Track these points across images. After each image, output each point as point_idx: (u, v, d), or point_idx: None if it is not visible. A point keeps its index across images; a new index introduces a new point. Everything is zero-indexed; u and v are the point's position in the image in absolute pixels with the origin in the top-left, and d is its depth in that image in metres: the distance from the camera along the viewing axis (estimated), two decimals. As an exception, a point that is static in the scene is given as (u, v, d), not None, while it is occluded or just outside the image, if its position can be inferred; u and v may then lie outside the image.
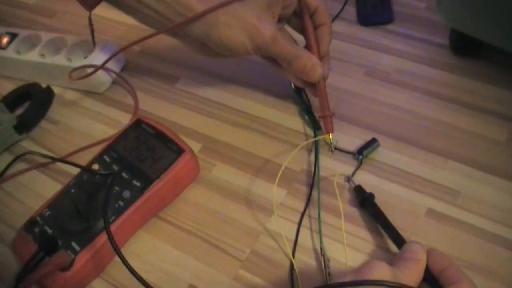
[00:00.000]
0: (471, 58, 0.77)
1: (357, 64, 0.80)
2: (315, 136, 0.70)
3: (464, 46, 0.77)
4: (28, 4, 1.08)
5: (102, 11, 0.79)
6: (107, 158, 0.67)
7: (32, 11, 1.06)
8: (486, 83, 0.74)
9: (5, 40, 0.90)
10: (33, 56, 0.86)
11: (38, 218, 0.64)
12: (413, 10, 0.87)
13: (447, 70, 0.77)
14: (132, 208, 0.62)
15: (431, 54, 0.79)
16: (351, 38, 0.84)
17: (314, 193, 0.65)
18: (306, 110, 0.74)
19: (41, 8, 1.06)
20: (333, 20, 0.87)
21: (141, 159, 0.66)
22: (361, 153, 0.67)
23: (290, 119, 0.75)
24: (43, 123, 0.82)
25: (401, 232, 0.58)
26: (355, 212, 0.63)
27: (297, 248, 0.61)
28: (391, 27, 0.85)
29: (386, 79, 0.77)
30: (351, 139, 0.70)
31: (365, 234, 0.61)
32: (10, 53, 0.88)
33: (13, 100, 0.84)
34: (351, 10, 0.89)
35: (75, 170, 0.69)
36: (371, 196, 0.62)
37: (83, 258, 0.60)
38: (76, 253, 0.60)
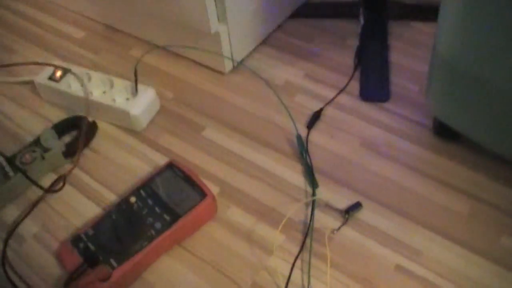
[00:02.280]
0: (449, 141, 0.90)
1: (354, 135, 0.94)
2: (313, 194, 0.84)
3: (444, 131, 0.89)
4: (76, 38, 1.21)
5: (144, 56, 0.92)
6: (143, 193, 0.81)
7: (79, 45, 1.19)
8: (459, 164, 0.87)
9: (58, 73, 1.03)
10: (82, 92, 0.99)
11: (83, 235, 0.78)
12: (407, 92, 1.00)
13: (428, 149, 0.90)
14: (161, 237, 0.76)
15: (417, 133, 0.92)
16: (352, 110, 0.98)
17: (307, 241, 0.79)
18: (308, 171, 0.88)
19: (87, 44, 1.19)
20: (339, 93, 1.01)
21: (171, 197, 0.80)
22: (348, 213, 0.81)
23: (295, 176, 0.88)
24: (87, 152, 0.96)
25: (371, 280, 0.73)
26: (338, 260, 0.77)
27: (290, 284, 0.75)
28: (387, 105, 0.98)
29: (377, 151, 0.91)
30: (340, 199, 0.84)
31: (344, 279, 0.75)
32: (62, 86, 1.01)
33: (62, 128, 0.97)
34: (355, 86, 1.02)
35: (110, 195, 0.84)
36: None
37: (119, 273, 0.74)
38: (113, 268, 0.74)
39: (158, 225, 0.77)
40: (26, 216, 0.86)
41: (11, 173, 0.88)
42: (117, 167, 0.92)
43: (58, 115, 1.00)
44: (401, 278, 0.75)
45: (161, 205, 0.79)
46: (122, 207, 0.80)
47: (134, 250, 0.75)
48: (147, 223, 0.77)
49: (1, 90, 1.10)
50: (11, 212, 0.87)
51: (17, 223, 0.85)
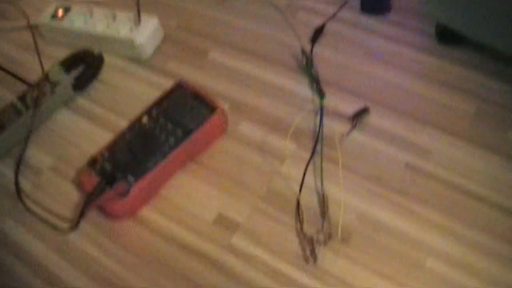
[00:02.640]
0: (452, 45, 0.91)
1: (358, 46, 0.95)
2: (321, 102, 0.86)
3: (446, 36, 0.91)
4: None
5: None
6: (154, 112, 0.83)
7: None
8: (461, 67, 0.88)
9: (60, 12, 1.04)
10: (86, 27, 1.00)
11: (99, 157, 0.80)
12: (407, 2, 1.00)
13: (432, 55, 0.91)
14: (175, 152, 0.78)
15: (420, 41, 0.93)
16: (354, 23, 0.99)
17: (318, 147, 0.81)
18: (314, 82, 0.89)
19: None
20: (341, 7, 1.02)
21: (182, 114, 0.81)
22: (356, 117, 0.83)
23: (302, 88, 0.90)
24: (95, 84, 0.97)
25: (384, 179, 0.76)
26: (349, 161, 0.79)
27: (303, 187, 0.77)
28: (388, 16, 0.98)
29: (381, 60, 0.92)
30: (348, 106, 0.86)
31: (356, 179, 0.78)
32: (65, 23, 1.02)
33: (69, 63, 0.97)
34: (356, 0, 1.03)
35: (122, 122, 0.86)
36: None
37: (137, 188, 0.76)
38: (131, 184, 0.76)
39: (171, 140, 0.78)
40: (27, 140, 0.88)
41: (23, 110, 0.89)
42: (126, 95, 0.93)
43: (64, 53, 1.00)
44: (412, 175, 0.77)
45: (173, 122, 0.81)
46: (135, 127, 0.82)
47: (150, 166, 0.77)
48: (160, 140, 0.79)
49: (6, 37, 1.11)
50: (27, 148, 0.89)
51: (22, 150, 0.87)
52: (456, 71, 0.88)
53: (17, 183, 0.83)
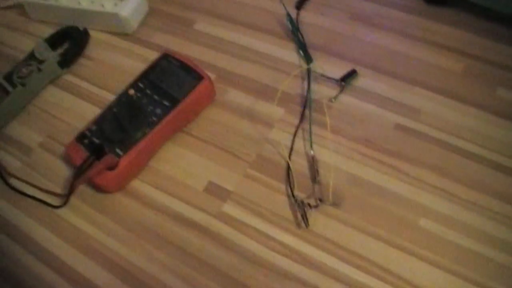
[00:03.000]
0: (438, 5, 0.91)
1: (344, 10, 0.94)
2: (308, 67, 0.85)
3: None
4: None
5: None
6: (140, 84, 0.82)
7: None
8: (449, 26, 0.88)
9: (44, -11, 1.03)
10: (71, 2, 0.99)
11: (87, 132, 0.79)
12: None
13: (418, 15, 0.90)
14: (163, 122, 0.78)
15: (406, 2, 0.93)
16: (339, -12, 0.98)
17: (307, 112, 0.81)
18: (301, 47, 0.88)
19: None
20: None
21: (169, 84, 0.81)
22: (344, 80, 0.82)
23: (288, 54, 0.89)
24: (82, 60, 0.96)
25: (374, 140, 0.75)
26: (339, 125, 0.79)
27: (293, 153, 0.77)
28: (374, -21, 0.98)
29: (367, 22, 0.91)
30: (336, 70, 0.85)
31: (346, 142, 0.77)
32: (49, 0, 1.01)
33: (55, 40, 0.97)
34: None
35: (109, 96, 0.86)
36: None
37: (126, 160, 0.75)
38: (120, 156, 0.75)
39: (158, 111, 0.78)
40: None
41: (9, 89, 0.89)
42: (113, 69, 0.93)
43: (49, 31, 1.00)
44: (402, 135, 0.76)
45: (159, 93, 0.80)
46: (122, 100, 0.81)
47: (137, 137, 0.76)
48: (147, 111, 0.78)
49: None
50: (15, 127, 0.89)
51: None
52: (443, 31, 0.87)
53: None
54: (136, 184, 0.78)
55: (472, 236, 0.67)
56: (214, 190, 0.75)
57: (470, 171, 0.72)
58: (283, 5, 0.95)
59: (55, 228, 0.76)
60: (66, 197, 0.77)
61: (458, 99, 0.79)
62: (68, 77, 0.94)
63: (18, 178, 0.82)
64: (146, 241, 0.72)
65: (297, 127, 0.79)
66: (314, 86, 0.83)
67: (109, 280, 0.70)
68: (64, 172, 0.81)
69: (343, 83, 0.82)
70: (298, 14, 0.94)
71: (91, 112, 0.86)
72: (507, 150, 0.73)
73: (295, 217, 0.71)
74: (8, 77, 0.90)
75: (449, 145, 0.75)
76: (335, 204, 0.71)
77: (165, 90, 0.80)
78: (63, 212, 0.77)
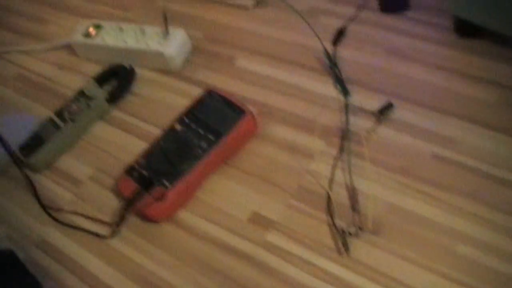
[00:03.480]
0: (470, 37, 0.93)
1: (379, 44, 0.97)
2: (346, 101, 0.88)
3: (464, 28, 0.92)
4: (105, 1, 1.26)
5: (170, 4, 0.97)
6: (186, 119, 0.86)
7: (107, 5, 1.24)
8: (480, 57, 0.90)
9: (92, 30, 1.09)
10: (117, 42, 1.04)
11: (136, 165, 0.83)
12: None
13: (451, 48, 0.93)
14: (208, 155, 0.81)
15: (439, 35, 0.95)
16: (374, 23, 1.01)
17: (346, 143, 0.83)
18: (338, 81, 0.91)
19: (117, 3, 1.24)
20: (361, 7, 1.04)
21: (213, 119, 0.85)
22: (381, 113, 0.85)
23: (326, 88, 0.92)
24: (129, 97, 1.01)
25: (411, 170, 0.78)
26: (376, 156, 0.81)
27: (333, 183, 0.80)
28: (407, 14, 1.01)
29: (402, 55, 0.94)
30: (372, 103, 0.88)
31: (383, 172, 0.80)
32: (97, 40, 1.06)
33: (103, 78, 1.02)
34: (375, 0, 1.05)
35: (155, 130, 0.89)
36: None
37: (173, 192, 0.79)
38: (167, 188, 0.79)
39: (204, 144, 0.82)
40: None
41: (61, 124, 0.93)
42: (158, 105, 0.97)
43: (97, 69, 1.05)
44: (438, 165, 0.78)
45: (204, 127, 0.84)
46: (168, 134, 0.85)
47: (184, 170, 0.80)
48: (193, 145, 0.82)
49: (41, 57, 1.16)
50: (66, 161, 0.93)
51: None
52: (475, 62, 0.89)
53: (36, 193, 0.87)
54: (183, 214, 0.82)
55: (509, 260, 0.68)
56: (258, 220, 0.78)
57: (505, 197, 0.73)
58: (320, 41, 0.98)
59: (106, 258, 0.79)
60: (117, 227, 0.80)
61: (492, 128, 0.81)
62: (116, 113, 0.99)
63: (69, 212, 0.86)
64: (194, 269, 0.75)
65: (337, 159, 0.82)
66: (352, 119, 0.86)
67: (160, 307, 0.73)
68: (113, 203, 0.85)
69: (380, 116, 0.84)
70: (335, 50, 0.96)
71: (138, 146, 0.90)
72: (541, 177, 0.74)
73: (336, 245, 0.74)
74: (59, 114, 0.96)
75: (484, 173, 0.76)
76: (375, 232, 0.73)
77: (210, 125, 0.84)
78: (113, 242, 0.81)
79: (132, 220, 0.82)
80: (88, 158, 0.92)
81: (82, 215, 0.85)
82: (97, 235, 0.82)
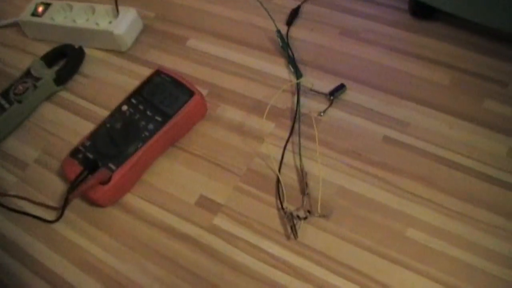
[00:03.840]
0: (425, 19, 0.92)
1: (333, 25, 0.96)
2: (298, 82, 0.87)
3: (419, 10, 0.92)
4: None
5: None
6: (134, 100, 0.84)
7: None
8: (435, 39, 0.89)
9: (40, 8, 1.05)
10: (66, 21, 1.01)
11: (81, 147, 0.81)
12: None
13: (405, 30, 0.92)
14: (155, 137, 0.79)
15: (393, 17, 0.94)
16: (328, 4, 0.99)
17: (296, 125, 0.82)
18: (291, 62, 0.90)
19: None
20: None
21: (161, 100, 0.82)
22: (332, 94, 0.84)
23: (278, 69, 0.91)
24: (77, 77, 0.98)
25: (362, 153, 0.77)
26: (327, 138, 0.80)
27: (283, 166, 0.78)
28: (362, -5, 1.00)
29: (356, 37, 0.93)
30: (325, 84, 0.87)
31: (334, 155, 0.78)
32: (45, 19, 1.03)
33: (51, 58, 0.99)
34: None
35: (104, 112, 0.87)
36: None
37: (118, 174, 0.77)
38: (113, 171, 0.77)
39: (151, 126, 0.79)
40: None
41: (6, 105, 0.90)
42: (107, 86, 0.94)
43: (45, 49, 1.01)
44: (390, 148, 0.78)
45: (152, 109, 0.82)
46: (115, 116, 0.83)
47: (130, 152, 0.78)
48: (140, 126, 0.80)
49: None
50: (11, 143, 0.90)
51: None
52: (430, 44, 0.89)
53: None
54: (129, 198, 0.80)
55: (459, 245, 0.68)
56: (205, 204, 0.77)
57: (457, 181, 0.73)
58: (273, 21, 0.96)
59: (50, 243, 0.77)
60: (60, 212, 0.77)
61: (446, 111, 0.80)
62: (64, 94, 0.96)
63: (12, 196, 0.83)
64: (139, 254, 0.74)
65: (287, 141, 0.81)
66: (303, 101, 0.85)
67: (103, 293, 0.71)
68: (59, 187, 0.83)
69: (331, 97, 0.83)
70: (288, 30, 0.95)
71: (86, 128, 0.87)
72: (493, 161, 0.74)
73: (285, 229, 0.72)
74: (5, 94, 0.92)
75: (436, 156, 0.76)
76: (324, 216, 0.72)
77: (158, 106, 0.82)
78: (58, 226, 0.78)
79: (78, 204, 0.80)
80: (34, 140, 0.90)
81: (27, 199, 0.82)
82: (41, 219, 0.79)
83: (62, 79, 0.96)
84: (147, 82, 0.85)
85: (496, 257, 0.67)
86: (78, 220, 0.79)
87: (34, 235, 0.78)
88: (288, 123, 0.83)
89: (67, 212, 0.79)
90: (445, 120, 0.79)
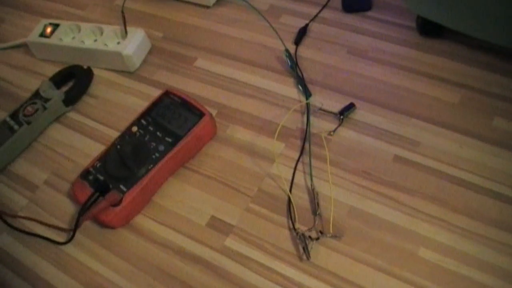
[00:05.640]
0: (433, 38, 0.92)
1: (341, 44, 0.96)
2: (307, 101, 0.87)
3: (428, 29, 0.92)
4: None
5: (130, 3, 0.95)
6: (143, 122, 0.84)
7: (65, 4, 1.21)
8: (444, 58, 0.89)
9: (48, 29, 1.05)
10: (74, 42, 1.01)
11: (91, 169, 0.81)
12: None
13: (413, 48, 0.92)
14: (165, 158, 0.79)
15: (401, 35, 0.94)
16: (336, 23, 1.00)
17: (306, 145, 0.82)
18: (300, 82, 0.90)
19: (75, 2, 1.21)
20: (322, 8, 1.03)
21: (171, 121, 0.82)
22: (342, 114, 0.84)
23: (287, 89, 0.91)
24: (86, 98, 0.98)
25: (372, 172, 0.76)
26: (338, 158, 0.80)
27: (293, 186, 0.78)
28: (369, 14, 1.00)
29: (364, 56, 0.93)
30: (334, 104, 0.87)
31: (345, 175, 0.78)
32: (54, 40, 1.03)
33: (59, 79, 0.99)
34: (337, 0, 1.04)
35: (113, 133, 0.87)
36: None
37: (129, 196, 0.77)
38: (123, 193, 0.77)
39: (161, 148, 0.80)
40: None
41: (16, 127, 0.90)
42: (116, 107, 0.94)
43: (53, 70, 1.02)
44: (400, 167, 0.77)
45: (162, 130, 0.82)
46: (125, 137, 0.83)
47: (141, 174, 0.78)
48: (150, 148, 0.80)
49: (-3, 57, 1.12)
50: (21, 164, 0.90)
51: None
52: (439, 63, 0.89)
53: None
54: (140, 219, 0.79)
55: (471, 264, 0.68)
56: (217, 225, 0.76)
57: (468, 200, 0.73)
58: (282, 41, 0.97)
59: (61, 265, 0.77)
60: (71, 234, 0.77)
61: (455, 129, 0.80)
62: (73, 115, 0.96)
63: (22, 217, 0.83)
64: (151, 276, 0.73)
65: (297, 161, 0.81)
66: (313, 120, 0.85)
67: (114, 316, 0.71)
68: (69, 209, 0.83)
69: (341, 117, 0.83)
70: (296, 50, 0.95)
71: (96, 149, 0.88)
72: (504, 179, 0.74)
73: (297, 249, 0.72)
74: (14, 116, 0.92)
75: (447, 175, 0.76)
76: (336, 236, 0.72)
77: (168, 127, 0.82)
78: (68, 248, 0.78)
79: (88, 226, 0.80)
80: (44, 162, 0.90)
81: (37, 220, 0.82)
82: (52, 241, 0.79)
83: (71, 99, 0.96)
84: (156, 103, 0.86)
85: (509, 276, 0.66)
86: (89, 242, 0.78)
87: (44, 257, 0.78)
88: (298, 143, 0.83)
89: (77, 235, 0.79)
90: (455, 139, 0.79)
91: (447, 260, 0.69)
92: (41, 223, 0.82)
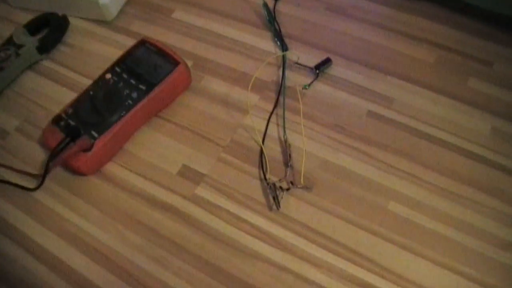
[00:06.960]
0: (413, -2, 0.92)
1: (320, 1, 0.95)
2: (283, 55, 0.86)
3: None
4: None
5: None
6: (117, 69, 0.83)
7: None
8: (422, 18, 0.90)
9: (24, -23, 1.03)
10: (50, -11, 0.99)
11: (63, 115, 0.80)
12: None
13: (392, 7, 0.92)
14: (138, 106, 0.78)
15: (381, -6, 0.95)
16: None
17: (281, 98, 0.82)
18: (277, 36, 0.89)
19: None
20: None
21: (145, 69, 0.81)
22: (318, 68, 0.83)
23: (265, 43, 0.90)
24: (60, 47, 0.97)
25: (346, 127, 0.77)
26: (312, 111, 0.80)
27: (266, 138, 0.78)
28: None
29: (342, 13, 0.92)
30: (311, 58, 0.86)
31: (318, 128, 0.78)
32: (29, -13, 1.01)
33: (34, 26, 0.97)
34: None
35: (87, 82, 0.86)
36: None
37: (101, 142, 0.76)
38: (95, 138, 0.76)
39: (134, 95, 0.79)
40: None
41: (-13, 73, 0.89)
42: (91, 56, 0.93)
43: (29, 18, 0.99)
44: (374, 122, 0.77)
45: (136, 77, 0.81)
46: (98, 84, 0.82)
47: (113, 120, 0.77)
48: (124, 95, 0.79)
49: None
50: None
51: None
52: (417, 22, 0.89)
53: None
54: (111, 167, 0.79)
55: (440, 220, 0.68)
56: (188, 174, 0.76)
57: (439, 157, 0.73)
58: (261, -5, 0.96)
59: (31, 211, 0.76)
60: (41, 180, 0.76)
61: (430, 88, 0.80)
62: (47, 63, 0.94)
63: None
64: (120, 223, 0.73)
65: (271, 113, 0.80)
66: (289, 74, 0.84)
67: (83, 262, 0.71)
68: (40, 155, 0.82)
69: (317, 71, 0.83)
70: (275, 5, 0.94)
71: (69, 97, 0.86)
72: (477, 139, 0.75)
73: (267, 200, 0.72)
74: (-14, 62, 0.90)
75: (420, 132, 0.76)
76: (307, 188, 0.72)
77: (142, 75, 0.81)
78: (38, 195, 0.77)
79: (60, 173, 0.79)
80: (16, 109, 0.88)
81: (7, 167, 0.81)
82: (22, 187, 0.78)
83: (45, 47, 0.94)
84: (132, 51, 0.84)
85: (475, 231, 0.67)
86: (59, 189, 0.78)
87: (14, 204, 0.77)
88: (273, 95, 0.82)
89: (48, 181, 0.78)
90: (430, 97, 0.79)
91: (416, 215, 0.69)
92: (12, 169, 0.80)
